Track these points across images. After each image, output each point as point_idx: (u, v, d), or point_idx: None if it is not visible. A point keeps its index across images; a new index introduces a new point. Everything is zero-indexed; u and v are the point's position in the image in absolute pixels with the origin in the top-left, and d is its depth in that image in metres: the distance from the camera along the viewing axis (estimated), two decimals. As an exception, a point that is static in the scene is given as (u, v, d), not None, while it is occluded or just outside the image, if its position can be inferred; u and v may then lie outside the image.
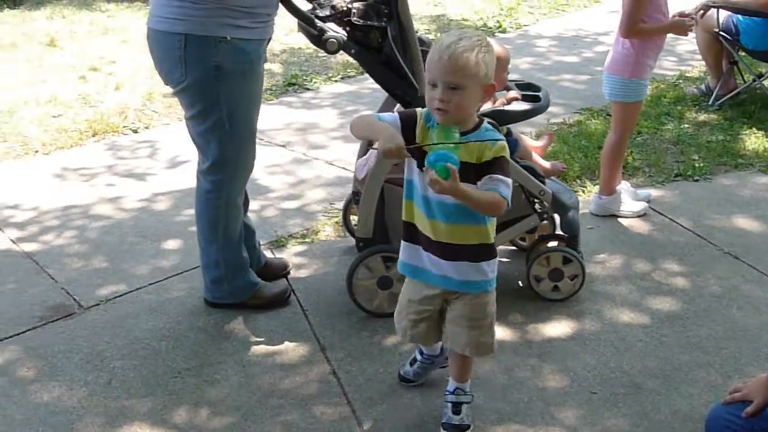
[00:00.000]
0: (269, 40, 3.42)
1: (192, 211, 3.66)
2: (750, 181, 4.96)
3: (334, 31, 3.33)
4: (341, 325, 3.56)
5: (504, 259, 3.95)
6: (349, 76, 7.41)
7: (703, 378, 3.15)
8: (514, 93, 3.63)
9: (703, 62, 6.64)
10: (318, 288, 3.88)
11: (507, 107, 3.52)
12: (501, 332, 3.40)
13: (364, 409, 3.02)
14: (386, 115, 2.65)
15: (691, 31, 4.35)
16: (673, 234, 4.33)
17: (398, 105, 3.55)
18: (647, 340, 3.41)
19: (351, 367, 3.27)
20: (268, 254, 4.07)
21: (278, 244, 4.28)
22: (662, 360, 3.27)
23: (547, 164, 3.84)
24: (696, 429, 2.83)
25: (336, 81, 7.28)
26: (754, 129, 5.68)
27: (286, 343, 3.44)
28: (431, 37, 3.83)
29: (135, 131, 6.17)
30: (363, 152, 3.89)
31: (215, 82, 3.22)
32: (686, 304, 3.65)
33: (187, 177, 5.10)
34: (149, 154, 5.71)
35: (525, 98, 3.61)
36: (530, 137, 4.74)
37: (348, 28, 3.34)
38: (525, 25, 9.30)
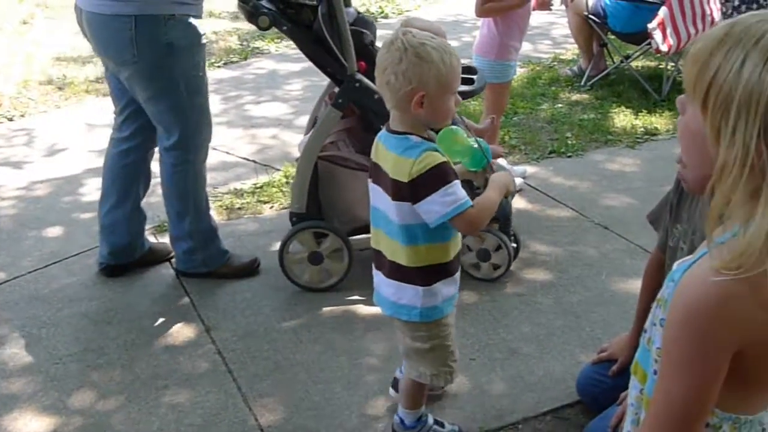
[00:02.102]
0: None
1: (71, 198, 3.61)
2: (618, 156, 5.18)
3: (267, 8, 3.36)
4: (225, 306, 3.58)
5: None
6: (232, 62, 7.37)
7: (574, 340, 3.31)
8: None
9: (576, 45, 6.88)
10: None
11: None
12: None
13: (250, 385, 3.06)
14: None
15: (552, 5, 4.52)
16: (548, 207, 4.50)
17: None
18: (522, 308, 3.55)
19: (236, 346, 3.30)
20: (151, 239, 4.05)
21: (161, 228, 4.25)
22: (537, 326, 3.42)
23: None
24: (569, 388, 2.97)
25: (219, 67, 7.22)
26: (622, 107, 5.94)
27: (171, 326, 3.45)
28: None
29: (10, 119, 6.00)
30: (307, 130, 3.91)
31: (169, 58, 3.29)
32: (560, 273, 3.81)
33: (66, 164, 5.04)
34: (26, 143, 5.56)
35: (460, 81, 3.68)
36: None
37: (281, 5, 3.39)
38: (407, 11, 9.41)
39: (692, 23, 6.01)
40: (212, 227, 3.76)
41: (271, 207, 4.52)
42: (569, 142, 5.33)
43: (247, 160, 5.16)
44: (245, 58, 7.47)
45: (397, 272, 2.44)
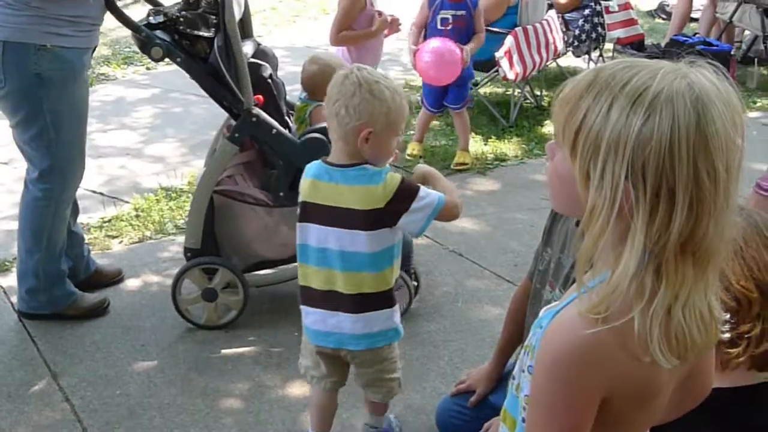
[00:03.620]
0: (94, 48, 3.42)
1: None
2: (469, 182, 5.29)
3: (162, 39, 3.24)
4: (73, 349, 3.41)
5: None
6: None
7: (433, 371, 3.33)
8: None
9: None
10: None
11: None
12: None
13: (101, 434, 2.93)
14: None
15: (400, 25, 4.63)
16: (403, 236, 4.52)
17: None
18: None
19: (85, 392, 3.15)
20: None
21: (2, 268, 4.03)
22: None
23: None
24: (429, 420, 2.98)
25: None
26: (472, 134, 6.06)
27: (14, 373, 3.26)
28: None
29: None
30: (207, 163, 3.77)
31: (36, 89, 3.17)
32: (417, 302, 3.82)
33: None
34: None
35: None
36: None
37: (176, 36, 3.29)
38: (259, 36, 9.33)
39: (537, 52, 6.23)
40: (61, 271, 3.59)
41: (120, 242, 4.36)
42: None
43: (94, 192, 4.96)
44: (91, 84, 7.19)
45: (363, 304, 2.44)
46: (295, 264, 3.52)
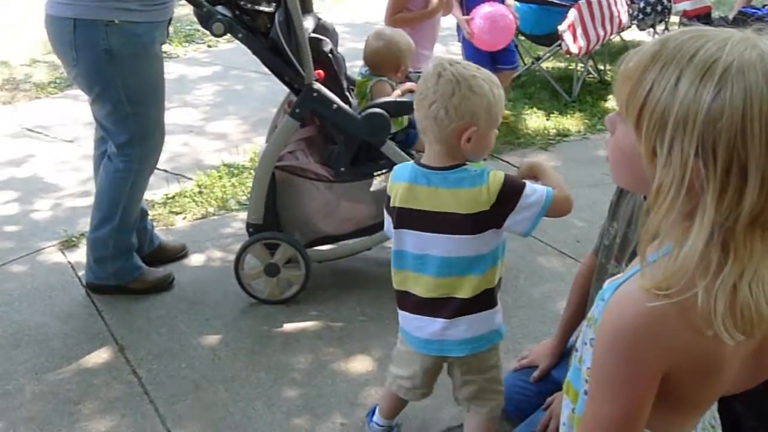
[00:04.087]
0: (170, 21, 3.47)
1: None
2: (531, 157, 5.21)
3: (222, 14, 3.26)
4: (139, 323, 3.47)
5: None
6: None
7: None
8: (410, 85, 3.63)
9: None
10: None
11: (400, 98, 3.52)
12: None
13: (168, 406, 2.97)
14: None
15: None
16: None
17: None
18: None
19: (152, 365, 3.20)
20: (58, 255, 3.90)
21: (69, 244, 4.11)
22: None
23: None
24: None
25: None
26: (534, 109, 6.01)
27: (82, 346, 3.32)
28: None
29: None
30: (268, 139, 3.81)
31: (107, 65, 3.23)
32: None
33: None
34: None
35: None
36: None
37: (237, 12, 3.31)
38: (318, 12, 9.33)
39: (601, 25, 6.13)
40: (131, 244, 3.65)
41: (184, 218, 4.42)
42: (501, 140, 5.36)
43: (158, 169, 4.98)
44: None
45: (464, 307, 2.30)
46: (356, 239, 3.60)
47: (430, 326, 2.35)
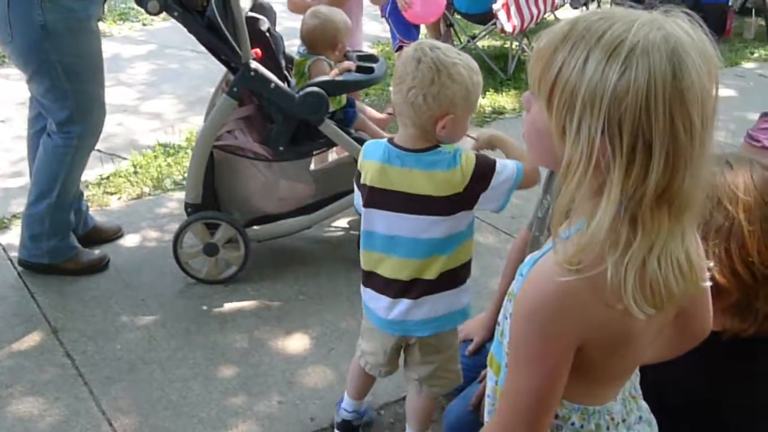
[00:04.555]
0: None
1: None
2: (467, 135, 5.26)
3: None
4: (73, 305, 3.42)
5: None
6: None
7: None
8: (348, 63, 3.61)
9: (423, 25, 6.94)
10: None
11: (338, 77, 3.50)
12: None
13: (103, 388, 2.94)
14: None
15: None
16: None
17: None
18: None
19: (86, 347, 3.16)
20: None
21: (1, 225, 4.03)
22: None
23: (387, 137, 3.90)
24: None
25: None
26: (471, 87, 6.04)
27: (14, 329, 3.27)
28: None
29: None
30: (206, 118, 3.73)
31: (43, 41, 3.18)
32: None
33: None
34: None
35: (359, 69, 3.60)
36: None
37: None
38: None
39: (534, 4, 6.19)
40: (68, 222, 3.61)
41: (119, 198, 4.37)
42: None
43: (92, 149, 4.95)
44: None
45: (432, 286, 2.28)
46: (295, 218, 3.59)
47: (396, 307, 2.33)
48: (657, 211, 1.12)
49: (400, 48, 5.61)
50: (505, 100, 5.92)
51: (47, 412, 2.82)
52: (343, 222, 4.09)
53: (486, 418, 1.53)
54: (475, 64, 2.17)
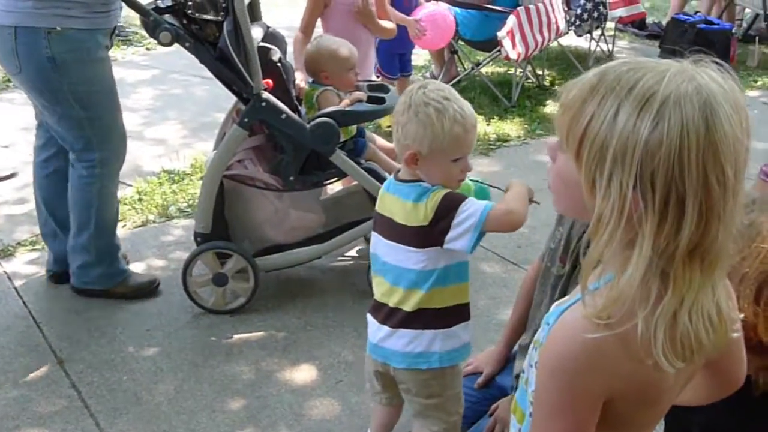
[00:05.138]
0: (115, 28, 3.45)
1: None
2: (473, 163, 5.25)
3: (170, 23, 3.21)
4: (79, 335, 3.40)
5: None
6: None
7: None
8: (359, 94, 3.61)
9: (427, 52, 6.96)
10: (51, 298, 3.68)
11: (348, 108, 3.50)
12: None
13: (109, 420, 2.92)
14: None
15: None
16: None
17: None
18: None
19: (92, 379, 3.14)
20: None
21: (5, 253, 4.01)
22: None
23: (399, 166, 3.89)
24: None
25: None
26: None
27: (20, 359, 3.24)
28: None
29: None
30: (215, 146, 3.76)
31: (52, 73, 3.19)
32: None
33: None
34: None
35: (370, 100, 3.60)
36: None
37: (185, 21, 3.27)
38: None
39: (539, 31, 6.21)
40: (114, 247, 3.63)
41: (124, 225, 4.34)
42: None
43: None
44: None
45: (410, 320, 2.29)
46: (305, 248, 3.58)
47: (379, 331, 2.37)
48: (689, 265, 1.11)
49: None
50: (510, 127, 5.92)
51: (53, 445, 2.80)
52: (352, 251, 4.07)
53: None
54: (462, 114, 2.14)
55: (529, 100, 6.47)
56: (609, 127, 1.09)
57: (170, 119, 6.07)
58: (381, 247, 2.33)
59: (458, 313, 2.35)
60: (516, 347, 2.84)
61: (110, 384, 3.11)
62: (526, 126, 6.01)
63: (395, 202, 2.26)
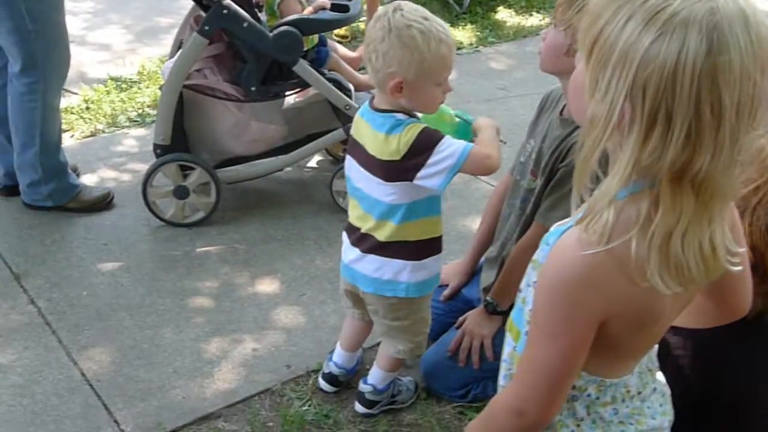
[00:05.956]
0: None
1: None
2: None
3: None
4: (34, 250, 3.32)
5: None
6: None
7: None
8: (322, 1, 3.51)
9: None
10: (3, 212, 3.58)
11: (312, 16, 3.40)
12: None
13: (72, 337, 2.87)
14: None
15: None
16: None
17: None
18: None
19: (51, 294, 3.08)
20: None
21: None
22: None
23: (361, 77, 3.79)
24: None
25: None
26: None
27: (-26, 276, 3.16)
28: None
29: None
30: (172, 54, 3.63)
31: None
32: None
33: None
34: None
35: (334, 8, 3.50)
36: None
37: None
38: None
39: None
40: (60, 163, 3.52)
41: (72, 136, 4.21)
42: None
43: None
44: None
45: (381, 248, 2.28)
46: (266, 160, 3.53)
47: (350, 252, 2.38)
48: (678, 189, 1.11)
49: None
50: (461, 34, 5.85)
51: (17, 362, 2.75)
52: (311, 162, 4.02)
53: (501, 382, 1.53)
54: (440, 32, 2.07)
55: (480, 6, 6.39)
56: (618, 33, 1.09)
57: (112, 23, 5.87)
58: (354, 171, 2.29)
59: (431, 247, 2.35)
60: (482, 260, 2.87)
61: (70, 299, 3.05)
62: (477, 33, 5.95)
63: (368, 133, 2.20)
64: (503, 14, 6.44)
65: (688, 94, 1.05)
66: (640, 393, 1.42)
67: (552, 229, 1.35)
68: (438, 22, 2.09)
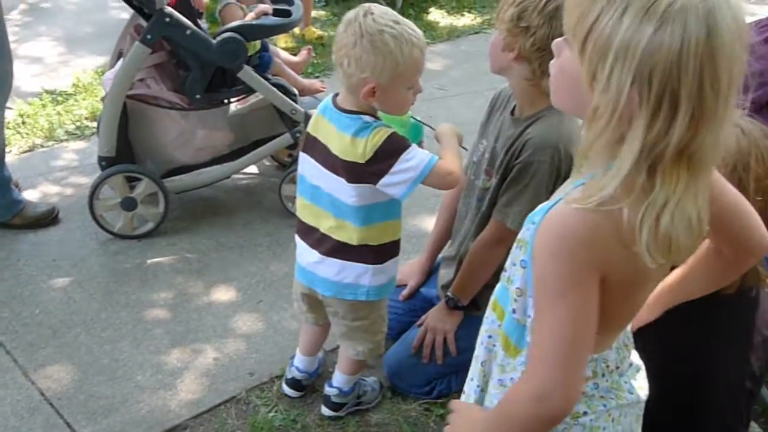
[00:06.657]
0: None
1: None
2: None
3: None
4: (-21, 269, 3.25)
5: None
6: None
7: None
8: (264, 7, 3.48)
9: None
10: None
11: (255, 21, 3.37)
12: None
13: (28, 356, 2.81)
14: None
15: None
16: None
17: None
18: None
19: (2, 314, 3.01)
20: None
21: None
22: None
23: (304, 82, 3.76)
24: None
25: None
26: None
27: None
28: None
29: None
30: (111, 65, 3.55)
31: None
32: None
33: None
34: None
35: (276, 12, 3.47)
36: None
37: None
38: None
39: None
40: (4, 176, 3.44)
41: (9, 151, 4.10)
42: (316, 61, 5.30)
43: (-30, 98, 4.64)
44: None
45: (342, 251, 2.27)
46: (212, 168, 3.52)
47: (308, 255, 2.36)
48: (677, 165, 1.17)
49: None
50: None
51: (-29, 386, 2.69)
52: (253, 168, 4.00)
53: (482, 355, 1.55)
54: (413, 35, 2.07)
55: (413, 8, 6.44)
56: (615, 25, 1.14)
57: (42, 35, 5.75)
58: (312, 170, 2.27)
59: (391, 250, 2.36)
60: (440, 258, 2.90)
61: (23, 318, 2.99)
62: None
63: (332, 132, 2.18)
64: (435, 15, 6.51)
65: (692, 77, 1.11)
66: (618, 368, 1.46)
67: (536, 209, 1.38)
68: (409, 26, 2.09)
